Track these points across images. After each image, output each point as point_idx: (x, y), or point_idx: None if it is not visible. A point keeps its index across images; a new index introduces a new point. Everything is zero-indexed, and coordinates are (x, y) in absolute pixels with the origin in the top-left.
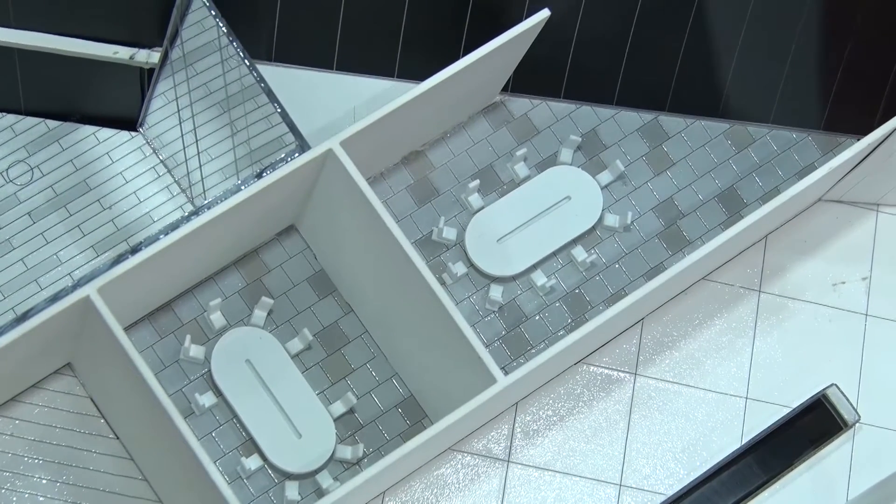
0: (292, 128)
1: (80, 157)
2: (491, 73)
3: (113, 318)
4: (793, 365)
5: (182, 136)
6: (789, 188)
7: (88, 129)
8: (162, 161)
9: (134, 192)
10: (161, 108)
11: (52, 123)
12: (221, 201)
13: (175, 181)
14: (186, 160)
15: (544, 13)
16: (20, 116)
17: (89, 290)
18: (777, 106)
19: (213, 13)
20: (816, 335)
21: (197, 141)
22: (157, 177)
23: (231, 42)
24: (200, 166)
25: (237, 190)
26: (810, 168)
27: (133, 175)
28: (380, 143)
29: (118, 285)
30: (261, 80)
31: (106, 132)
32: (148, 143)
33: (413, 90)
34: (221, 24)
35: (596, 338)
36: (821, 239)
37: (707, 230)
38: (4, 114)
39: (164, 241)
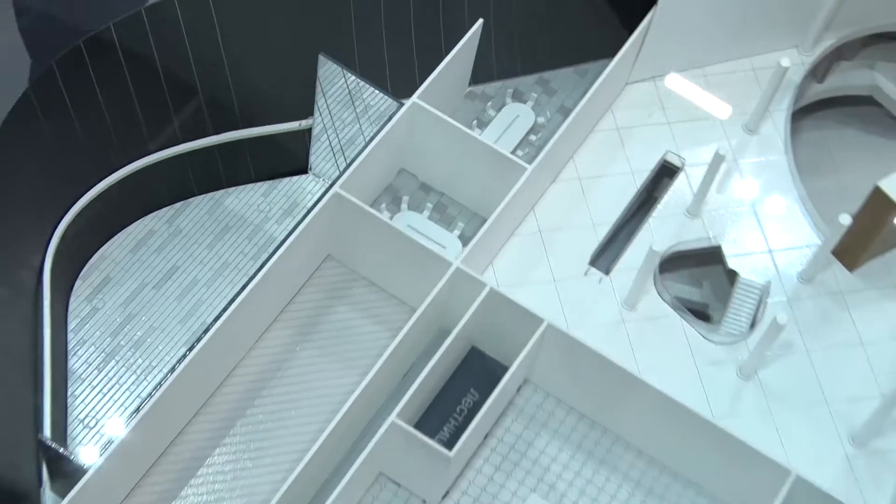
0: (386, 91)
1: (294, 196)
2: (457, 74)
3: (359, 200)
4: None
5: (332, 152)
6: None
7: (286, 181)
8: (328, 183)
9: None
10: (320, 153)
11: (266, 184)
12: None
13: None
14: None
15: (478, 24)
16: (239, 187)
17: (336, 189)
18: (593, 45)
19: (346, 73)
20: (655, 139)
21: (346, 158)
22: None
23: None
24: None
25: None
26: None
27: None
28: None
29: (351, 182)
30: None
31: (297, 179)
32: (317, 176)
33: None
34: (352, 78)
35: None
36: (641, 102)
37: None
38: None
39: (378, 138)
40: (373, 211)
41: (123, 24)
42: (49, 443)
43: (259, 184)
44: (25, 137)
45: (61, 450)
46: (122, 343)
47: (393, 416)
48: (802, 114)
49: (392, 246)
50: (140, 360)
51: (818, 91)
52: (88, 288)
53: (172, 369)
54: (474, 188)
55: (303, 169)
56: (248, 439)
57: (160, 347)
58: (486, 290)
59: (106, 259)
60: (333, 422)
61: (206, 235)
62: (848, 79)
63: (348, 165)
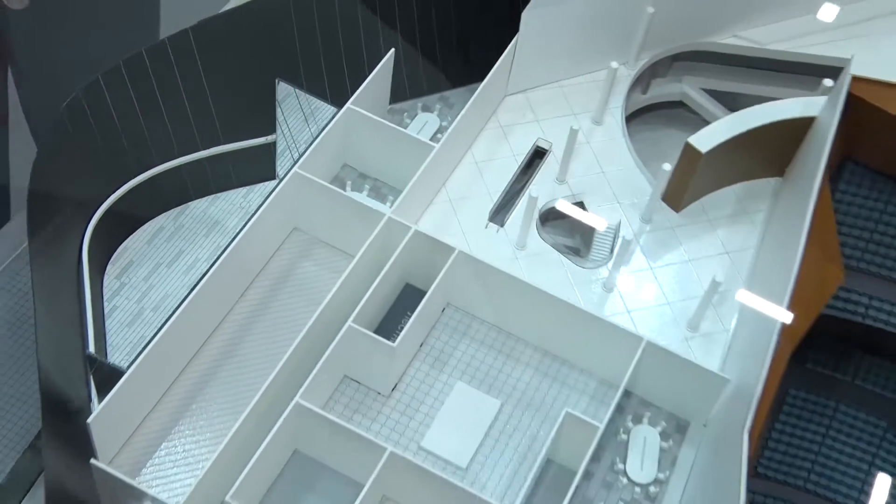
0: (327, 101)
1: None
2: (378, 94)
3: (317, 178)
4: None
5: (293, 161)
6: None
7: (261, 185)
8: (280, 181)
9: None
10: (284, 163)
11: (245, 188)
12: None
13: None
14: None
15: (390, 53)
16: (225, 192)
17: (295, 169)
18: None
19: (299, 94)
20: (529, 132)
21: (299, 154)
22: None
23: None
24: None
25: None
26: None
27: None
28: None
29: (307, 166)
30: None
31: (269, 183)
32: (280, 179)
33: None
34: (305, 98)
35: None
36: (516, 107)
37: None
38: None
39: (324, 132)
40: (325, 183)
41: (130, 62)
42: (94, 356)
43: (240, 188)
44: (61, 159)
45: (103, 360)
46: (145, 307)
47: (349, 322)
48: (636, 117)
49: (340, 208)
50: (159, 319)
51: (644, 99)
52: (117, 269)
53: (180, 305)
54: (400, 171)
55: (272, 175)
56: (246, 359)
57: (173, 308)
58: (412, 231)
59: (128, 249)
60: (302, 332)
61: (202, 227)
62: (665, 89)
63: (302, 154)
